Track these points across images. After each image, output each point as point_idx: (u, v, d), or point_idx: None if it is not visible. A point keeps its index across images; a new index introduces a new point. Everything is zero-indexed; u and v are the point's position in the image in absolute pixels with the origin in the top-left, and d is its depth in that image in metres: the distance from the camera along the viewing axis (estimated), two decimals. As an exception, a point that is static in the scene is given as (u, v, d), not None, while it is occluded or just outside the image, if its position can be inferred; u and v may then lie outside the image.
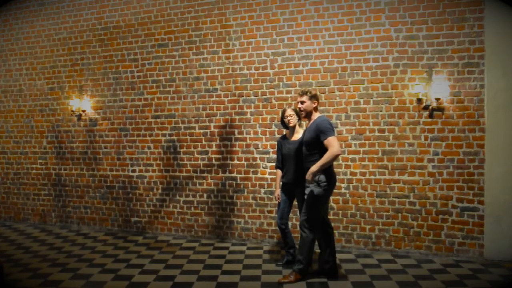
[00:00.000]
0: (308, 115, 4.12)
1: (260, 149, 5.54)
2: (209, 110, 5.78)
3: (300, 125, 4.58)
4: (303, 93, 4.08)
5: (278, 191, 4.59)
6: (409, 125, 4.97)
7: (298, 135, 4.47)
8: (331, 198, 5.03)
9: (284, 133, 4.75)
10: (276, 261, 4.76)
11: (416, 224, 4.94)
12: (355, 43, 5.13)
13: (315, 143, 3.95)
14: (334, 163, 4.71)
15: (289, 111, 4.44)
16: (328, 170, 3.96)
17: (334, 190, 4.84)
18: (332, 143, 3.82)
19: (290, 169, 4.43)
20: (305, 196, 4.01)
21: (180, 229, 5.94)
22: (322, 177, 3.92)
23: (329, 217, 4.58)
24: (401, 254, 4.95)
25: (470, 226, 4.76)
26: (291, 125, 4.46)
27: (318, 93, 4.22)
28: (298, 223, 5.28)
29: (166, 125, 6.00)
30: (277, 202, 4.69)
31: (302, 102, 4.09)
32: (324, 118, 4.03)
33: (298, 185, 4.30)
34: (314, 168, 3.87)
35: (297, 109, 4.23)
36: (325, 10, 5.25)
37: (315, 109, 4.11)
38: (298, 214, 5.38)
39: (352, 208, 5.17)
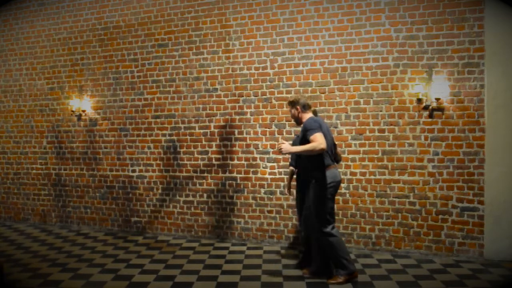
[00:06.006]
0: (298, 121, 4.19)
1: (260, 149, 5.54)
2: (209, 110, 5.77)
3: None
4: (288, 104, 4.28)
5: (287, 190, 4.78)
6: (409, 125, 4.97)
7: None
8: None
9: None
10: (276, 261, 4.76)
11: (416, 224, 4.94)
12: (355, 43, 5.13)
13: (305, 143, 3.95)
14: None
15: None
16: (324, 170, 3.96)
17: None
18: (317, 138, 3.80)
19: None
20: (310, 200, 4.00)
21: (180, 229, 5.94)
22: (319, 177, 3.94)
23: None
24: (401, 254, 4.95)
25: (470, 226, 4.76)
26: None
27: (298, 97, 4.20)
28: (297, 223, 5.29)
29: (166, 125, 6.00)
30: (293, 202, 4.73)
31: (290, 112, 4.25)
32: (312, 118, 4.03)
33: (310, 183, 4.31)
34: (289, 147, 3.89)
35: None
36: (325, 10, 5.25)
37: (303, 112, 4.13)
38: (296, 214, 5.38)
39: (352, 208, 5.17)
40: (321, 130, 3.87)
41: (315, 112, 4.45)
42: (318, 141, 3.77)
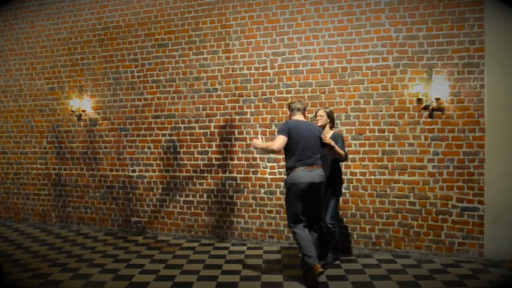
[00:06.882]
0: None
1: (260, 149, 5.53)
2: (209, 110, 5.77)
3: (331, 128, 4.61)
4: None
5: None
6: (409, 125, 4.97)
7: (327, 135, 4.43)
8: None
9: None
10: (276, 262, 4.76)
11: (416, 224, 4.94)
12: (355, 43, 5.13)
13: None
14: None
15: (321, 112, 4.59)
16: (289, 172, 4.05)
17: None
18: (276, 139, 4.04)
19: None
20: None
21: (180, 229, 5.94)
22: (286, 179, 4.07)
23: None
24: (401, 254, 4.95)
25: (470, 226, 4.76)
26: (319, 124, 4.53)
27: (291, 101, 4.33)
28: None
29: (166, 125, 6.00)
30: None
31: None
32: (287, 121, 4.18)
33: (327, 184, 4.29)
34: (256, 143, 4.11)
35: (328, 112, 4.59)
36: (325, 10, 5.25)
37: (291, 115, 4.23)
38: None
39: (352, 208, 5.17)
40: (287, 134, 4.00)
41: (331, 112, 4.60)
42: (274, 142, 4.02)
